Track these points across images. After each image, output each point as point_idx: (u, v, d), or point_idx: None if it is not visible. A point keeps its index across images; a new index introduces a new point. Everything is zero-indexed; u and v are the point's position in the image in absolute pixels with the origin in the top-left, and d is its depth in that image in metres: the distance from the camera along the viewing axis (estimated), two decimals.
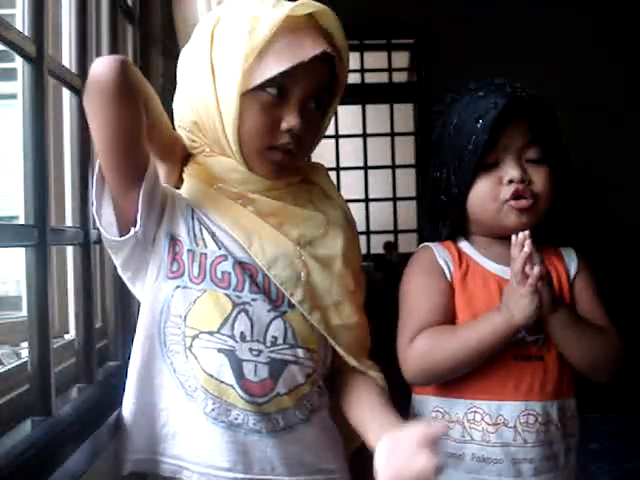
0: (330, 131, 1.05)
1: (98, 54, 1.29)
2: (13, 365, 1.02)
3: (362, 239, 3.74)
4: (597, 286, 1.17)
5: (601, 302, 1.16)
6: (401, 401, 1.14)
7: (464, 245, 1.17)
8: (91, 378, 1.12)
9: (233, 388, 0.94)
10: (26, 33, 0.94)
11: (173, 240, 0.97)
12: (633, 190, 3.58)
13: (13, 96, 1.12)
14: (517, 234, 1.03)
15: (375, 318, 1.06)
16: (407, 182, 4.23)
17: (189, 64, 1.00)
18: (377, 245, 4.19)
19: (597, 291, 1.17)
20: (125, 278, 1.01)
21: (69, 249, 1.21)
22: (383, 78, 4.25)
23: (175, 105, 1.03)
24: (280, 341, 0.96)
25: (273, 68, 0.92)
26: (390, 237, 4.25)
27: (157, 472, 0.97)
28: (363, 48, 4.08)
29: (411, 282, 1.16)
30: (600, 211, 3.34)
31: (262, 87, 0.93)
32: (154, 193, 0.95)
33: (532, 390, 1.09)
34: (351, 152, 4.30)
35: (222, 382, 0.94)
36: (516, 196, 1.09)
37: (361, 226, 3.98)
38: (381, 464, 0.91)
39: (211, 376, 0.95)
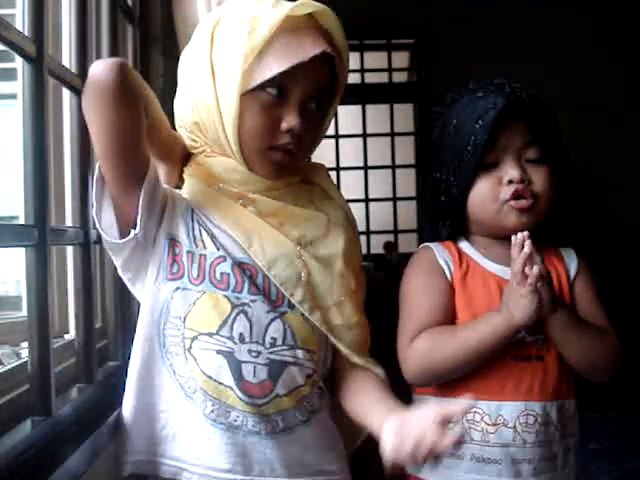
0: (330, 131, 1.05)
1: (98, 54, 1.29)
2: (13, 365, 1.02)
3: (362, 239, 3.72)
4: (597, 287, 1.17)
5: (601, 303, 1.16)
6: (401, 401, 1.14)
7: (464, 245, 1.17)
8: (91, 378, 1.12)
9: (232, 390, 0.94)
10: (26, 33, 0.94)
11: (173, 241, 0.97)
12: (633, 190, 3.58)
13: (13, 96, 1.12)
14: (517, 234, 1.03)
15: (375, 318, 1.06)
16: (407, 182, 4.23)
17: (189, 65, 1.00)
18: (377, 245, 4.19)
19: (597, 292, 1.17)
20: (125, 279, 1.01)
21: (69, 249, 1.21)
22: (383, 78, 4.25)
23: (176, 105, 1.03)
24: (279, 342, 0.96)
25: (273, 68, 0.92)
26: (390, 237, 4.25)
27: (157, 474, 0.97)
28: (363, 48, 4.08)
29: (411, 282, 1.16)
30: (600, 211, 3.34)
31: (262, 87, 0.93)
32: (154, 194, 0.95)
33: (532, 390, 1.09)
34: (351, 152, 4.30)
35: (221, 384, 0.94)
36: (516, 196, 1.09)
37: (361, 226, 3.98)
38: (388, 440, 0.89)
39: (210, 378, 0.94)
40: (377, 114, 4.31)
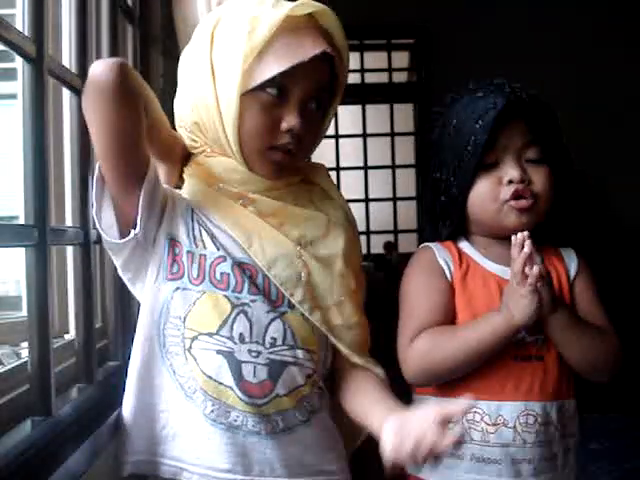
0: (330, 131, 1.05)
1: (98, 54, 1.29)
2: (13, 365, 1.02)
3: (362, 239, 3.72)
4: (597, 287, 1.17)
5: (601, 303, 1.16)
6: (401, 401, 1.14)
7: (464, 245, 1.17)
8: (91, 378, 1.12)
9: (232, 390, 0.94)
10: (26, 33, 0.94)
11: (173, 241, 0.97)
12: (633, 190, 3.58)
13: (13, 96, 1.12)
14: (517, 234, 1.03)
15: (375, 318, 1.06)
16: (407, 182, 4.23)
17: (189, 65, 1.00)
18: (377, 245, 4.20)
19: (597, 292, 1.17)
20: (125, 279, 1.01)
21: (69, 249, 1.21)
22: (383, 78, 4.25)
23: (176, 105, 1.03)
24: (279, 342, 0.96)
25: (273, 68, 0.92)
26: (390, 237, 4.25)
27: (157, 474, 0.97)
28: (363, 48, 4.08)
29: (411, 282, 1.16)
30: (600, 211, 3.34)
31: (262, 87, 0.93)
32: (154, 195, 0.95)
33: (532, 390, 1.09)
34: (351, 152, 4.31)
35: (221, 384, 0.94)
36: (516, 196, 1.09)
37: (361, 226, 3.98)
38: (388, 440, 0.89)
39: (210, 378, 0.94)
40: (377, 114, 4.31)
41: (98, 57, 1.29)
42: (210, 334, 0.95)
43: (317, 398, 1.00)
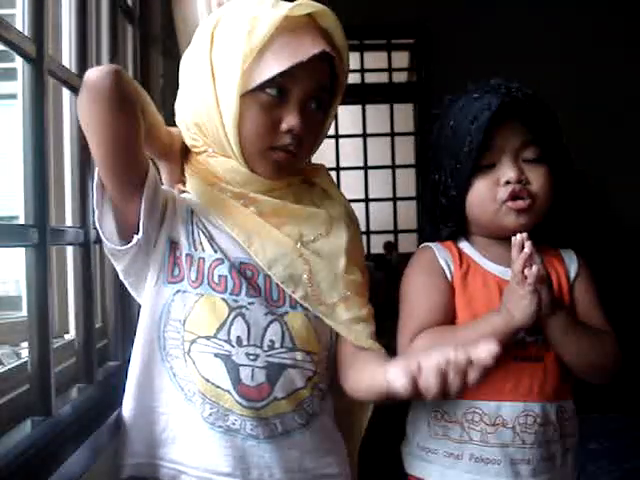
0: (330, 131, 1.04)
1: (98, 54, 1.29)
2: (13, 365, 1.02)
3: (362, 239, 3.73)
4: (597, 288, 1.17)
5: (600, 304, 1.16)
6: (401, 402, 1.14)
7: (464, 245, 1.17)
8: (91, 378, 1.12)
9: (229, 393, 0.94)
10: (26, 33, 0.94)
11: (173, 244, 0.97)
12: (633, 190, 3.58)
13: (13, 96, 1.12)
14: (517, 235, 1.03)
15: (375, 318, 1.06)
16: (407, 182, 4.23)
17: (190, 66, 1.00)
18: (377, 245, 4.19)
19: (597, 293, 1.16)
20: (127, 283, 1.00)
21: (69, 249, 1.21)
22: (383, 78, 4.25)
23: (177, 106, 1.03)
24: (278, 345, 0.96)
25: (272, 68, 0.92)
26: (390, 237, 4.25)
27: (156, 476, 0.97)
28: (363, 48, 4.08)
29: (411, 282, 1.16)
30: (600, 211, 3.34)
31: (262, 87, 0.93)
32: (155, 200, 0.95)
33: (531, 391, 1.09)
34: (351, 152, 4.30)
35: (219, 387, 0.94)
36: (513, 197, 1.09)
37: (361, 226, 3.93)
38: (395, 370, 0.84)
39: (208, 381, 0.94)
40: (377, 114, 4.31)
41: (98, 57, 1.29)
42: (208, 337, 0.94)
43: (318, 401, 1.00)
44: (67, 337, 1.23)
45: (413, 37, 4.08)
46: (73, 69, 1.15)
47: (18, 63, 0.97)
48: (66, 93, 1.20)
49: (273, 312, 0.97)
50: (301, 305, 0.98)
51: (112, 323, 1.31)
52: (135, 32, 1.50)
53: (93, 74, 0.85)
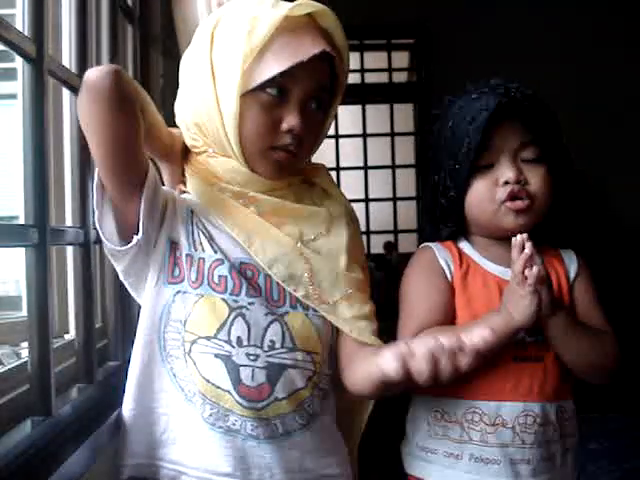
0: (330, 131, 1.05)
1: (98, 54, 1.29)
2: (13, 365, 1.02)
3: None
4: (596, 288, 1.17)
5: (600, 305, 1.16)
6: (401, 401, 1.14)
7: (464, 246, 1.17)
8: (91, 378, 1.12)
9: (230, 394, 0.94)
10: (26, 33, 0.94)
11: (174, 244, 0.97)
12: (633, 190, 3.58)
13: (13, 96, 1.12)
14: (517, 236, 1.03)
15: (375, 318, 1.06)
16: (407, 182, 4.23)
17: (190, 66, 1.00)
18: (377, 245, 4.19)
19: (596, 293, 1.16)
20: (127, 284, 1.00)
21: (69, 249, 1.21)
22: (383, 78, 4.25)
23: (177, 106, 1.03)
24: (278, 345, 0.96)
25: (273, 68, 0.92)
26: (390, 237, 4.25)
27: (156, 477, 0.97)
28: (363, 48, 4.07)
29: (411, 282, 1.16)
30: (600, 211, 3.34)
31: (262, 87, 0.93)
32: (155, 200, 0.95)
33: (531, 391, 1.09)
34: (351, 152, 4.30)
35: (219, 387, 0.94)
36: (512, 197, 1.09)
37: (361, 226, 3.94)
38: (388, 354, 0.85)
39: (208, 381, 0.94)
40: (377, 114, 4.31)
41: (98, 57, 1.29)
42: (208, 337, 0.94)
43: (318, 401, 1.00)
44: (67, 337, 1.23)
45: (413, 37, 4.08)
46: (73, 69, 1.15)
47: (18, 63, 0.97)
48: (66, 93, 1.20)
49: (273, 312, 0.97)
50: (301, 305, 0.98)
51: (112, 323, 1.31)
52: (135, 32, 1.50)
53: (93, 74, 0.85)
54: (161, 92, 1.54)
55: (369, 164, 4.27)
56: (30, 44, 0.94)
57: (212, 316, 0.95)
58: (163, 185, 1.03)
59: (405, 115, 4.31)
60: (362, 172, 4.26)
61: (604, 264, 1.87)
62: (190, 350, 0.95)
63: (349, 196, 1.13)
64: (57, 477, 0.80)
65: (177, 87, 1.03)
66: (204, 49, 0.96)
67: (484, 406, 1.09)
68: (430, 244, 1.18)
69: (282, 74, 0.92)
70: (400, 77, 4.40)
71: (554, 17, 3.61)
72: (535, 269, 1.00)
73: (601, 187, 3.38)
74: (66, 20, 1.19)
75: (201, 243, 0.97)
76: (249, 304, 0.96)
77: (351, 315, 0.99)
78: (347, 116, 4.11)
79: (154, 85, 1.54)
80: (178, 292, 0.96)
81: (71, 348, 1.16)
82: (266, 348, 0.95)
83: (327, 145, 4.00)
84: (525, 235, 1.02)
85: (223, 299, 0.95)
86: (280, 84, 0.94)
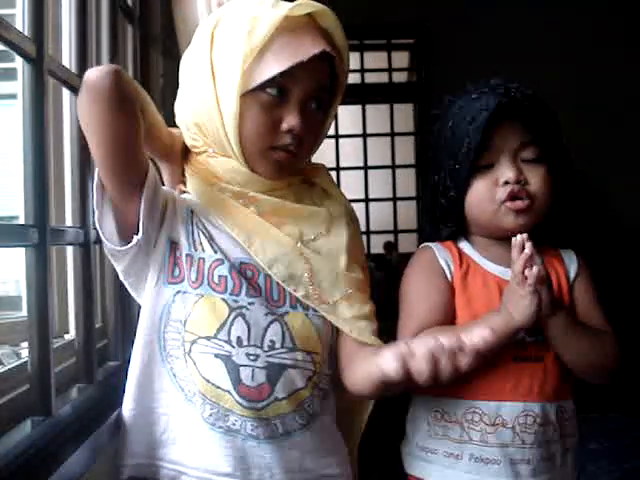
0: (330, 131, 1.05)
1: (98, 54, 1.29)
2: (13, 365, 1.02)
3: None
4: (596, 288, 1.17)
5: (600, 305, 1.16)
6: (401, 401, 1.14)
7: (464, 245, 1.17)
8: (91, 378, 1.12)
9: (230, 394, 0.94)
10: (26, 33, 0.94)
11: (174, 244, 0.97)
12: (633, 190, 3.58)
13: (13, 96, 1.12)
14: (517, 236, 1.03)
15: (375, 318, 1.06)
16: (407, 182, 4.23)
17: (190, 66, 1.00)
18: (377, 245, 4.19)
19: (596, 293, 1.16)
20: (127, 284, 1.00)
21: (69, 249, 1.21)
22: (383, 78, 4.25)
23: (177, 106, 1.03)
24: (278, 345, 0.96)
25: (273, 68, 0.92)
26: (390, 237, 4.25)
27: (156, 477, 0.97)
28: (363, 48, 4.08)
29: (411, 282, 1.16)
30: (600, 211, 3.34)
31: (262, 87, 0.93)
32: (155, 200, 0.95)
33: (531, 391, 1.09)
34: (351, 152, 4.30)
35: (219, 387, 0.94)
36: (512, 197, 1.09)
37: (361, 226, 3.94)
38: (387, 354, 0.85)
39: (208, 381, 0.94)
40: (377, 114, 4.31)
41: (98, 57, 1.29)
42: (208, 337, 0.94)
43: (318, 401, 1.00)
44: (67, 337, 1.23)
45: (413, 37, 4.08)
46: (73, 69, 1.15)
47: (18, 63, 0.97)
48: (66, 93, 1.20)
49: (273, 312, 0.97)
50: (301, 305, 0.98)
51: (112, 323, 1.31)
52: (135, 32, 1.50)
53: (93, 74, 0.85)
54: (161, 92, 1.54)
55: (369, 164, 4.27)
56: (30, 44, 0.94)
57: (212, 316, 0.95)
58: (163, 185, 1.03)
59: (405, 115, 4.31)
60: (362, 172, 4.26)
61: (604, 264, 1.87)
62: (190, 350, 0.95)
63: (349, 196, 1.13)
64: (57, 477, 0.80)
65: (177, 87, 1.03)
66: (204, 49, 0.96)
67: (484, 406, 1.09)
68: (430, 244, 1.18)
69: (282, 74, 0.92)
70: (400, 77, 4.40)
71: (554, 17, 3.61)
72: (535, 269, 1.00)
73: (601, 187, 3.38)
74: (66, 20, 1.19)
75: (201, 243, 0.97)
76: (249, 304, 0.95)
77: (351, 315, 0.99)
78: (347, 116, 4.11)
79: (154, 85, 1.54)
80: (178, 292, 0.96)
81: (71, 348, 1.16)
82: (266, 348, 0.95)
83: (327, 145, 4.00)
84: (525, 235, 1.02)
85: (223, 299, 0.95)
86: (280, 84, 0.94)
